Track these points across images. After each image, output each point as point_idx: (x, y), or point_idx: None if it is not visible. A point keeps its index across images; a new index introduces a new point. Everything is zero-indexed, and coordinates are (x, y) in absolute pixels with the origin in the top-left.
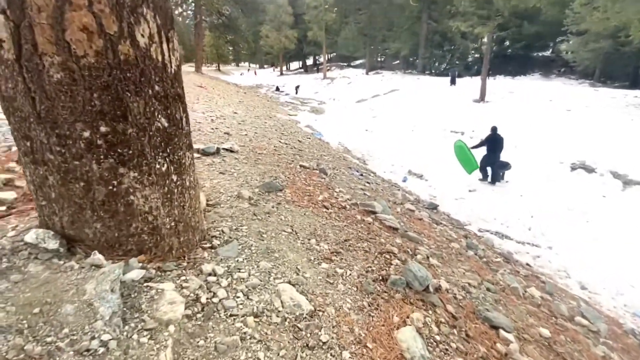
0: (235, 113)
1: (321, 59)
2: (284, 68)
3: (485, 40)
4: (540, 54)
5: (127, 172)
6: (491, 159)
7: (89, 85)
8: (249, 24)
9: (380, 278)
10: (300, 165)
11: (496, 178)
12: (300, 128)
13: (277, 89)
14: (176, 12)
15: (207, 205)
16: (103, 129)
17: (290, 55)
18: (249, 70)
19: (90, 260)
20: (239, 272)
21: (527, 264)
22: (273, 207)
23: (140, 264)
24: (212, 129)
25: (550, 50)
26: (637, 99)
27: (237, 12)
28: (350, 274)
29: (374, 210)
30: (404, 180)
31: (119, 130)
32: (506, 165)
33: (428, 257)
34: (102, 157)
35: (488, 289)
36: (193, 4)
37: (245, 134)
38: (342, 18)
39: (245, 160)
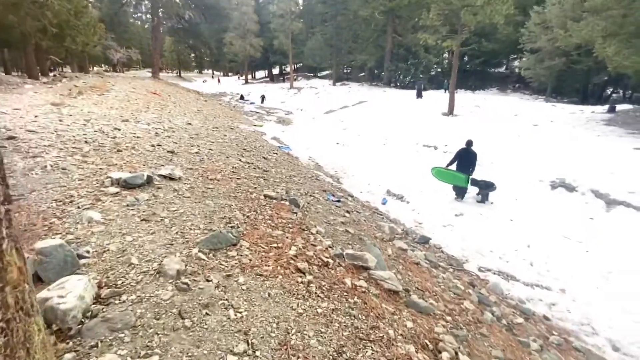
0: (189, 124)
1: (287, 69)
2: (249, 76)
3: (448, 54)
4: (496, 70)
5: None
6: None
7: None
8: (212, 30)
9: None
10: (265, 196)
11: (460, 194)
12: (266, 141)
13: (242, 97)
14: (134, 15)
15: (97, 300)
16: None
17: (256, 64)
18: (213, 77)
19: None
20: None
21: (545, 317)
22: (218, 286)
23: None
24: (153, 145)
25: (505, 67)
26: (595, 114)
27: (199, 17)
28: None
29: (367, 265)
30: (384, 203)
31: None
32: (491, 186)
33: (457, 354)
34: None
35: None
36: (150, 6)
37: (197, 152)
38: (309, 28)
39: (189, 193)
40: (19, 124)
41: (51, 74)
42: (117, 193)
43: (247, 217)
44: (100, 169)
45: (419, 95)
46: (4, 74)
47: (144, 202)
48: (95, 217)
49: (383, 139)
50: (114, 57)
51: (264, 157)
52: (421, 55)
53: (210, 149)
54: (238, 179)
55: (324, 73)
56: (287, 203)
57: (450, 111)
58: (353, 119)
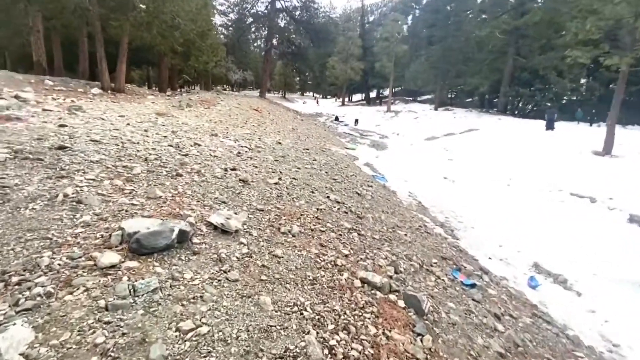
0: (279, 143)
1: (385, 92)
2: (346, 99)
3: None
4: None
5: None
6: None
7: None
8: (318, 54)
9: None
10: (363, 281)
11: None
12: (358, 168)
13: (337, 118)
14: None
15: None
16: None
17: (354, 87)
18: (314, 98)
19: None
20: None
21: None
22: None
23: None
24: (226, 170)
25: None
26: None
27: (307, 41)
28: None
29: None
30: (533, 286)
31: None
32: None
33: None
34: None
35: None
36: (267, 32)
37: (276, 182)
38: (413, 52)
39: (239, 271)
40: (96, 131)
41: (179, 90)
42: (111, 267)
43: (331, 351)
44: (132, 205)
45: (550, 126)
46: (139, 87)
47: (143, 299)
48: (12, 350)
49: (505, 177)
50: (233, 78)
51: (357, 193)
52: (552, 80)
53: (293, 178)
54: (322, 231)
55: (424, 97)
56: (401, 303)
57: (607, 150)
58: (461, 149)
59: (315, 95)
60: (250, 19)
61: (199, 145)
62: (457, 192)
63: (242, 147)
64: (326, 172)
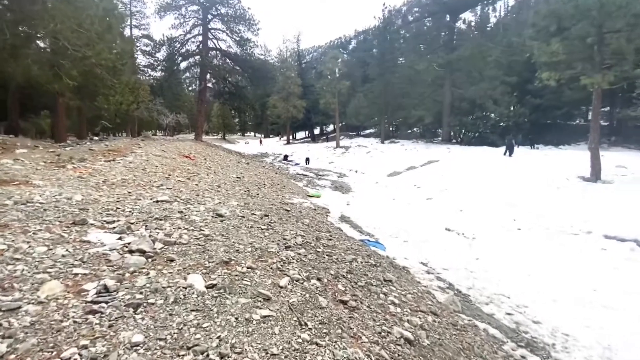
0: (219, 216)
1: (329, 128)
2: (290, 137)
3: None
4: (568, 122)
5: None
6: None
7: None
8: (257, 93)
9: None
10: None
11: None
12: (339, 229)
13: (285, 157)
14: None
15: None
16: None
17: (297, 125)
18: (255, 137)
19: None
20: None
21: None
22: None
23: None
24: None
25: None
26: None
27: (246, 81)
28: None
29: None
30: None
31: None
32: None
33: None
34: None
35: None
36: (199, 70)
37: None
38: (349, 90)
39: None
40: None
41: (91, 138)
42: None
43: None
44: None
45: (510, 152)
46: (16, 139)
47: None
48: None
49: (507, 218)
50: (164, 122)
51: (407, 341)
52: (490, 108)
53: None
54: None
55: (367, 132)
56: None
57: (597, 175)
58: (432, 185)
59: (256, 134)
60: (180, 59)
61: None
62: (476, 252)
63: (130, 253)
64: (320, 279)
